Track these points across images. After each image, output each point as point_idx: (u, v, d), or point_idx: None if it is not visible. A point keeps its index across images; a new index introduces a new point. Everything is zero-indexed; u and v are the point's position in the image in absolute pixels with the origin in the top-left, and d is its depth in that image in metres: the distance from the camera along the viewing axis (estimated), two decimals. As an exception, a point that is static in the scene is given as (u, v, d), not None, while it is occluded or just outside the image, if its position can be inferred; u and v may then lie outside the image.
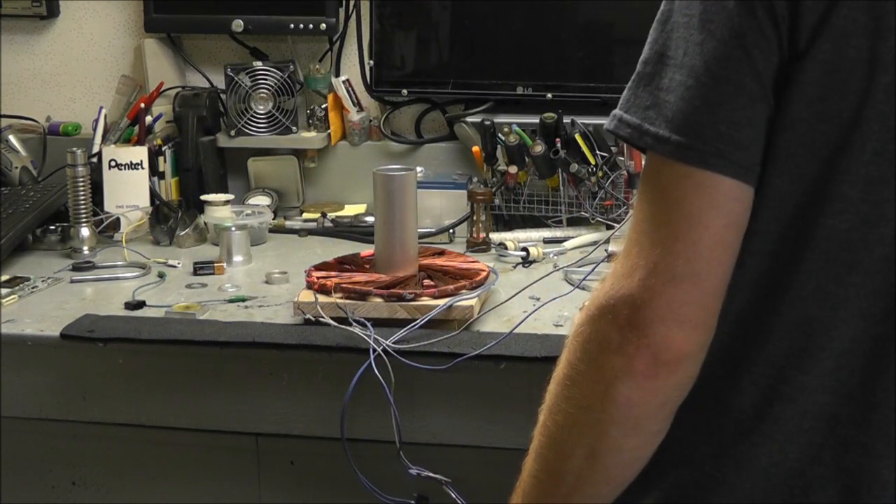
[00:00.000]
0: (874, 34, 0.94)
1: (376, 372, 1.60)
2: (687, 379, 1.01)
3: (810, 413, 1.01)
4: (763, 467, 1.02)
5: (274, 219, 2.30)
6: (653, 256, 0.97)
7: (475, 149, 2.25)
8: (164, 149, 2.35)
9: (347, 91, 2.35)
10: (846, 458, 1.01)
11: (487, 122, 2.18)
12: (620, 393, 1.00)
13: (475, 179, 2.22)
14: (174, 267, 2.06)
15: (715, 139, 0.95)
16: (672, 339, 0.97)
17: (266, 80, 2.34)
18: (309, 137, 2.37)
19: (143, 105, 2.35)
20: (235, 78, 2.34)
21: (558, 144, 2.12)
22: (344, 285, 1.74)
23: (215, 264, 2.03)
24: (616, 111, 1.02)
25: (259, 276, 2.00)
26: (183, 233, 2.19)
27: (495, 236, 2.15)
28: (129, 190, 2.29)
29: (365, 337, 1.64)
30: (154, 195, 2.30)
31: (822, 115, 0.96)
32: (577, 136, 2.10)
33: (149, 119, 2.37)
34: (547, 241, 2.15)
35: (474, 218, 2.12)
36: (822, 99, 0.95)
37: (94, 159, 2.30)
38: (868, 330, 0.99)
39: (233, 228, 2.09)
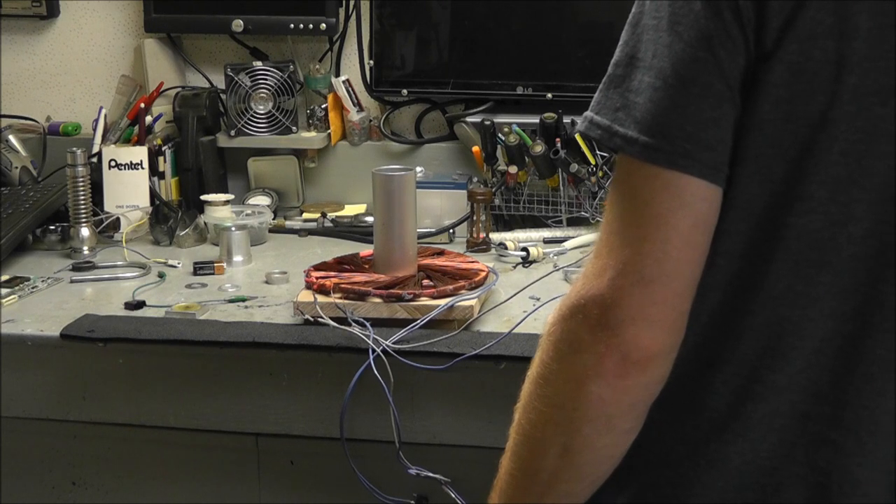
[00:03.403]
0: (840, 35, 0.94)
1: (376, 372, 1.60)
2: (658, 378, 1.01)
3: (782, 412, 1.02)
4: (735, 466, 1.03)
5: (274, 219, 2.30)
6: (622, 257, 0.98)
7: (475, 149, 2.25)
8: (164, 149, 2.35)
9: (347, 91, 2.35)
10: (817, 456, 1.02)
11: (487, 122, 2.18)
12: (591, 392, 1.00)
13: (475, 179, 2.23)
14: (174, 267, 2.06)
15: (682, 140, 0.96)
16: (641, 339, 0.98)
17: (266, 80, 2.34)
18: (309, 137, 2.37)
19: (143, 105, 2.35)
20: (235, 78, 2.34)
21: (558, 144, 2.12)
22: (343, 285, 1.74)
23: (215, 264, 2.03)
24: (587, 113, 1.03)
25: (259, 276, 2.00)
26: (183, 233, 2.19)
27: (495, 236, 2.15)
28: (129, 190, 2.29)
29: (364, 337, 1.64)
30: (154, 195, 2.30)
31: (790, 115, 0.96)
32: (577, 137, 2.10)
33: (149, 119, 2.37)
34: (547, 241, 2.15)
35: (474, 218, 2.12)
36: (788, 100, 0.96)
37: (94, 159, 2.31)
38: (838, 329, 1.00)
39: (233, 228, 2.09)
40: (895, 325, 0.99)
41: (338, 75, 2.39)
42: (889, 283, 0.99)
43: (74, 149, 2.13)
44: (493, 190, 2.17)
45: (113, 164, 2.29)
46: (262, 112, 2.35)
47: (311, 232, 2.28)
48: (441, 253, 1.94)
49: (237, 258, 2.08)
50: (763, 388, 1.02)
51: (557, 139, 2.12)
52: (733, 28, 0.95)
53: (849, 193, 0.97)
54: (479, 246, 2.11)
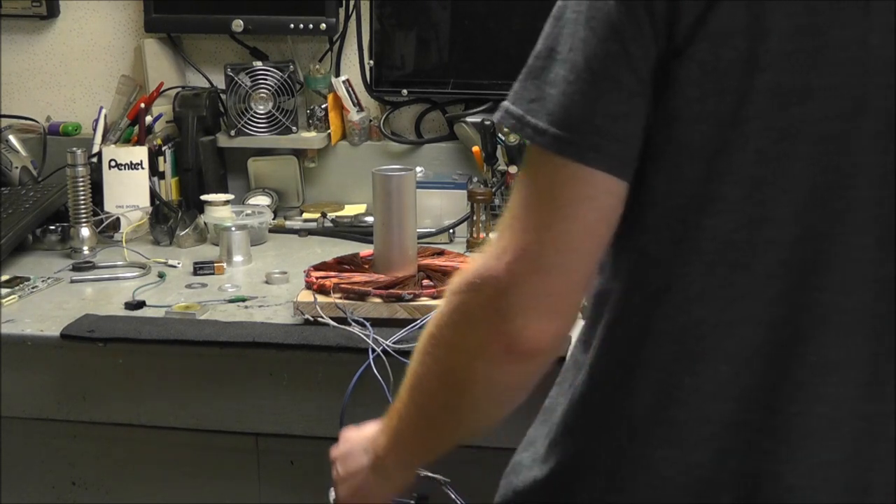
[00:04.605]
0: (753, 35, 0.94)
1: (376, 372, 1.60)
2: (543, 365, 1.03)
3: (712, 420, 1.01)
4: (667, 474, 1.02)
5: (274, 219, 2.30)
6: (522, 242, 0.98)
7: (475, 149, 2.25)
8: (164, 149, 2.35)
9: (347, 91, 2.35)
10: (752, 463, 1.01)
11: (487, 122, 2.18)
12: (478, 369, 1.03)
13: (475, 179, 2.23)
14: (174, 267, 2.06)
15: (591, 133, 0.96)
16: (530, 329, 0.99)
17: (266, 80, 2.34)
18: (309, 137, 2.37)
19: (143, 105, 2.35)
20: (235, 78, 2.34)
21: (558, 144, 2.11)
22: (343, 285, 1.74)
23: (215, 264, 2.03)
24: (504, 102, 1.04)
25: (259, 276, 2.00)
26: (183, 233, 2.19)
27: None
28: (129, 190, 2.29)
29: (364, 337, 1.64)
30: (154, 195, 2.30)
31: (701, 115, 0.96)
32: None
33: (149, 119, 2.37)
34: (547, 241, 2.15)
35: (474, 218, 2.12)
36: (699, 99, 0.96)
37: (94, 159, 2.31)
38: (768, 336, 0.99)
39: (233, 228, 2.09)
40: (827, 332, 0.98)
41: (338, 75, 2.39)
42: (822, 291, 0.98)
43: (74, 149, 2.13)
44: (493, 190, 2.17)
45: (113, 164, 2.29)
46: (262, 112, 2.35)
47: (311, 232, 2.28)
48: (441, 253, 1.94)
49: (237, 258, 2.08)
50: (684, 394, 1.01)
51: (557, 139, 2.12)
52: (645, 24, 0.95)
53: (765, 194, 0.96)
54: (479, 246, 2.11)
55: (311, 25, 2.34)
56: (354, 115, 2.37)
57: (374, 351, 1.61)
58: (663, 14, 0.95)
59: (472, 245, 2.12)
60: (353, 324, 1.67)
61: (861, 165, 0.96)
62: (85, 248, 2.13)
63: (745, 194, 0.96)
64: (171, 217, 2.23)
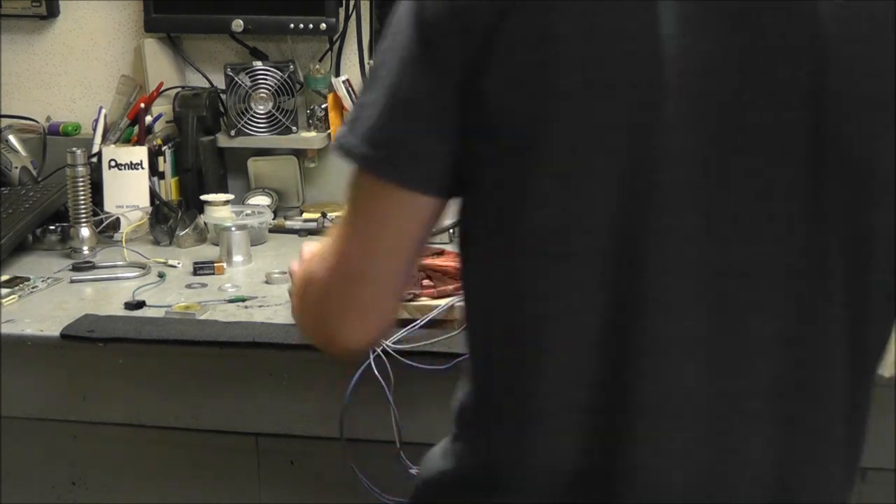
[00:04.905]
0: (546, 40, 0.97)
1: (376, 372, 1.60)
2: (364, 350, 1.15)
3: (571, 408, 1.04)
4: (535, 467, 1.06)
5: (274, 219, 2.30)
6: (338, 251, 1.08)
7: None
8: (164, 149, 2.35)
9: (347, 91, 2.35)
10: (610, 448, 1.04)
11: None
12: (314, 340, 1.18)
13: (475, 179, 2.22)
14: (174, 267, 2.06)
15: (395, 152, 1.03)
16: (344, 331, 1.11)
17: (266, 80, 2.34)
18: (309, 137, 2.37)
19: (143, 105, 2.35)
20: (235, 78, 2.34)
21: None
22: (344, 285, 1.74)
23: (215, 264, 2.03)
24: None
25: (259, 276, 2.00)
26: (183, 233, 2.19)
27: (495, 236, 2.15)
28: (129, 190, 2.29)
29: (365, 337, 1.64)
30: (154, 195, 2.30)
31: (513, 118, 0.99)
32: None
33: (149, 119, 2.37)
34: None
35: (474, 218, 2.12)
36: (507, 105, 0.99)
37: (94, 159, 2.31)
38: (605, 321, 1.01)
39: (233, 228, 2.09)
40: (658, 312, 1.00)
41: (338, 75, 2.39)
42: (644, 271, 1.00)
43: (74, 149, 2.13)
44: (493, 190, 2.17)
45: (113, 164, 2.29)
46: (262, 112, 2.35)
47: (310, 232, 2.28)
48: (441, 253, 1.94)
49: (237, 258, 2.08)
50: (536, 386, 1.04)
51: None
52: (441, 45, 1.00)
53: (578, 186, 0.99)
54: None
55: (311, 25, 2.34)
56: (354, 115, 2.37)
57: (374, 351, 1.61)
58: (458, 29, 0.99)
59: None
60: (353, 324, 1.67)
61: (668, 150, 0.98)
62: (85, 248, 2.13)
63: (560, 188, 0.99)
64: (171, 217, 2.23)
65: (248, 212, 2.26)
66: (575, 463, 1.04)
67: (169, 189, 2.36)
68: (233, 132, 2.36)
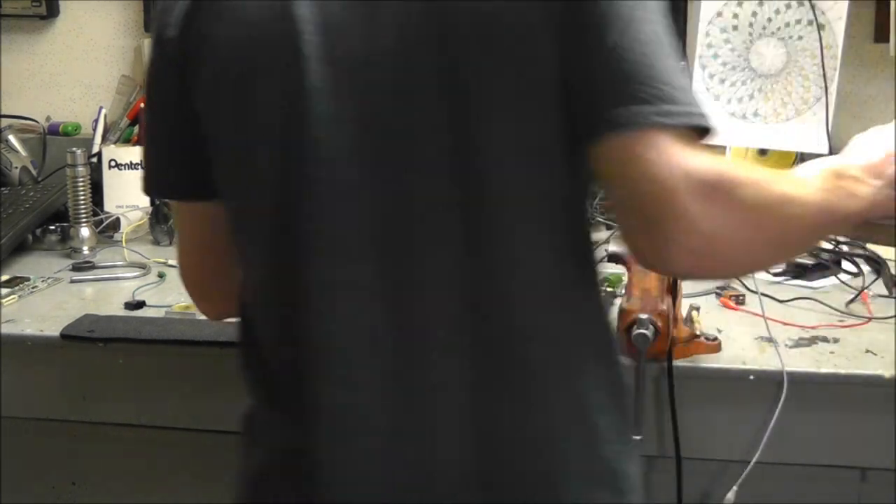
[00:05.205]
0: (198, 43, 1.10)
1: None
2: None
3: (267, 346, 1.24)
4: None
5: (274, 219, 2.30)
6: (178, 247, 1.32)
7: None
8: (164, 149, 2.35)
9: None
10: (299, 385, 1.16)
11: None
12: None
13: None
14: (174, 267, 2.06)
15: (157, 174, 1.22)
16: (201, 308, 1.37)
17: (266, 80, 2.34)
18: (309, 137, 2.37)
19: (143, 105, 2.35)
20: (235, 78, 2.33)
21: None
22: (343, 285, 1.74)
23: (215, 264, 2.02)
24: None
25: (259, 276, 2.00)
26: (183, 233, 2.19)
27: (495, 236, 2.14)
28: (129, 190, 2.29)
29: (364, 337, 1.63)
30: (154, 195, 2.30)
31: (210, 117, 1.13)
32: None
33: (149, 119, 2.37)
34: (547, 241, 2.14)
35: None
36: (201, 110, 1.14)
37: (94, 159, 2.31)
38: (282, 265, 1.12)
39: (233, 228, 2.09)
40: (328, 255, 1.08)
41: (338, 75, 2.38)
42: (309, 222, 1.09)
43: (74, 149, 2.13)
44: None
45: (113, 164, 2.29)
46: (262, 112, 2.35)
47: (310, 232, 2.28)
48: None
49: (237, 258, 2.07)
50: (251, 331, 1.24)
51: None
52: (164, 67, 1.15)
53: (245, 167, 1.12)
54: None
55: (310, 25, 2.33)
56: (354, 115, 2.37)
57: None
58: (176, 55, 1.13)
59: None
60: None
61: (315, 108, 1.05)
62: (85, 248, 2.13)
63: (234, 166, 1.12)
64: (171, 217, 2.23)
65: (248, 212, 2.26)
66: (270, 401, 1.23)
67: (169, 189, 2.36)
68: (233, 132, 2.36)
